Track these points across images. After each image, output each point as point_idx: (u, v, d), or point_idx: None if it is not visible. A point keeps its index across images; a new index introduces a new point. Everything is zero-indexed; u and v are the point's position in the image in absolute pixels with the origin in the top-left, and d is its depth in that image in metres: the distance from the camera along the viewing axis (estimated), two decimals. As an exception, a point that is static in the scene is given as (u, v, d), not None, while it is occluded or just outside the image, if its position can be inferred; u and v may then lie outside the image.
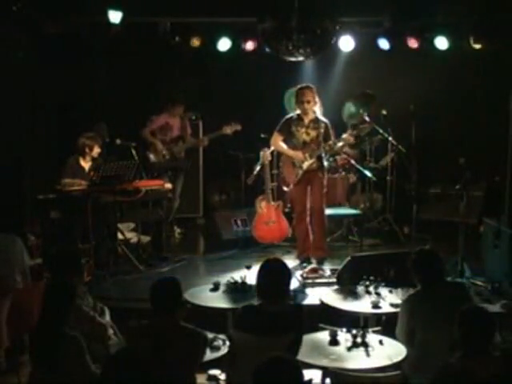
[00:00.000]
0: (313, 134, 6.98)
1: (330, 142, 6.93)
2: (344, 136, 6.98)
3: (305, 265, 6.94)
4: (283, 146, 7.10)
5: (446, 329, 4.00)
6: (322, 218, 7.10)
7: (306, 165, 6.95)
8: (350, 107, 8.69)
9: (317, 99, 6.98)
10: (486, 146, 8.47)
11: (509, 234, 6.27)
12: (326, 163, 7.11)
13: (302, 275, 6.38)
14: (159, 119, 8.18)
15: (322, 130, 6.94)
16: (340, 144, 6.99)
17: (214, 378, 4.39)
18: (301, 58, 7.60)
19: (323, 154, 6.98)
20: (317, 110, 7.04)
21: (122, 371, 3.05)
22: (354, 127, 7.17)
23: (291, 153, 7.02)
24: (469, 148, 8.22)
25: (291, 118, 7.06)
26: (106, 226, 7.16)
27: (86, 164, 7.42)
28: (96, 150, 7.38)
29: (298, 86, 7.03)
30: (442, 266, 4.61)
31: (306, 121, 6.98)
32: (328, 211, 7.36)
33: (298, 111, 7.00)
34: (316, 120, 6.98)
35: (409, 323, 4.39)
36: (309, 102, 6.88)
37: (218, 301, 5.11)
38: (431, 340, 4.27)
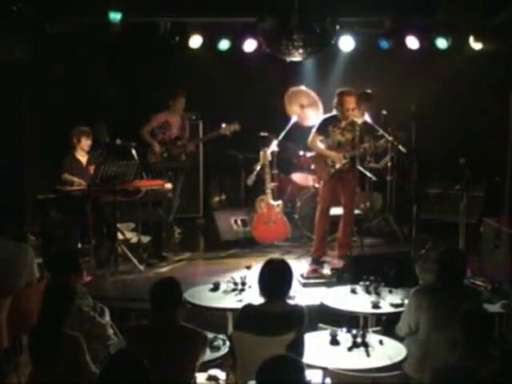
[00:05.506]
0: (348, 135, 7.04)
1: (366, 146, 7.00)
2: (381, 142, 7.07)
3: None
4: (320, 147, 7.14)
5: (449, 330, 4.01)
6: (351, 217, 7.20)
7: (338, 164, 7.00)
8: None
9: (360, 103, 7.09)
10: (486, 146, 8.47)
11: (509, 234, 6.27)
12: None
13: (302, 275, 6.38)
14: (159, 117, 8.16)
15: (358, 133, 6.98)
16: (377, 148, 7.12)
17: (214, 378, 4.39)
18: (301, 58, 7.60)
19: (357, 156, 7.06)
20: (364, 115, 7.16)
21: (122, 371, 3.05)
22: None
23: (327, 153, 7.08)
24: (469, 148, 8.21)
25: (328, 118, 7.12)
26: (106, 226, 7.16)
27: (82, 158, 7.45)
28: (84, 142, 7.41)
29: (341, 90, 7.02)
30: (464, 269, 4.62)
31: (344, 123, 7.02)
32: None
33: (336, 112, 7.04)
34: (353, 123, 7.00)
35: (414, 315, 4.41)
36: (353, 110, 6.94)
37: (217, 301, 5.10)
38: (433, 340, 4.28)
